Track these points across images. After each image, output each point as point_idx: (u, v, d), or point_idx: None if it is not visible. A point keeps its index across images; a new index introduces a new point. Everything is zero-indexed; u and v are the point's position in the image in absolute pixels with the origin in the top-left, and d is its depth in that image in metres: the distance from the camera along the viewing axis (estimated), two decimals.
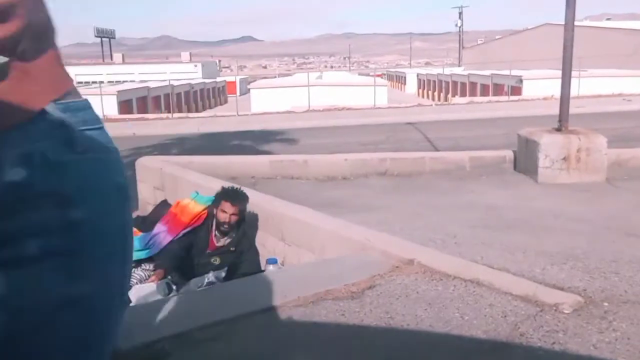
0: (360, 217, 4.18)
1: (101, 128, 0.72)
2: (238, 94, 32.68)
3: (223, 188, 4.28)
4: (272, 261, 3.91)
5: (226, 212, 4.07)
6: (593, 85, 21.84)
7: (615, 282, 2.89)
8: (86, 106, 0.72)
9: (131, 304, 3.22)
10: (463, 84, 35.03)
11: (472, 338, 2.33)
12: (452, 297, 2.72)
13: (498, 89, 29.29)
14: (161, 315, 2.73)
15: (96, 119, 0.72)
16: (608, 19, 61.18)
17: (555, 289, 2.80)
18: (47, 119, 0.65)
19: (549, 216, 4.35)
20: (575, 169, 5.46)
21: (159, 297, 3.49)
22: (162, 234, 4.40)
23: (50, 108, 0.66)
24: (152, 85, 30.73)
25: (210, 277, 3.83)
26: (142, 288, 3.72)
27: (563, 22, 5.67)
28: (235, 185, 4.41)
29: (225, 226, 4.10)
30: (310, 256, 3.83)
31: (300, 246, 3.98)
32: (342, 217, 4.10)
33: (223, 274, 3.97)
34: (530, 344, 2.26)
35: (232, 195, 4.15)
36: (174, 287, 3.73)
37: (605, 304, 2.61)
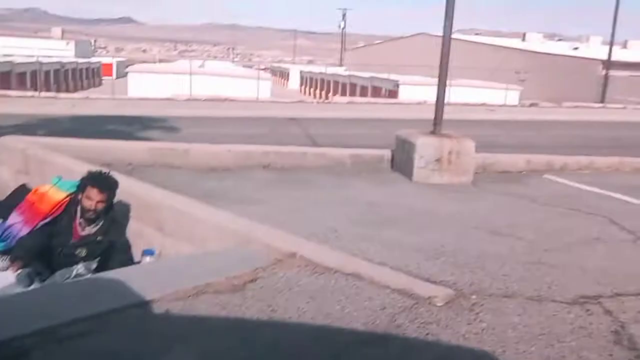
0: (242, 209, 4.12)
1: None
2: (114, 76, 31.01)
3: (89, 172, 3.94)
4: (149, 252, 3.73)
5: (92, 199, 3.76)
6: (461, 94, 23.43)
7: (481, 276, 3.10)
8: None
9: None
10: (344, 84, 36.07)
11: (352, 330, 2.38)
12: (334, 290, 2.76)
13: (376, 91, 30.54)
14: (20, 309, 2.48)
15: None
16: (477, 34, 65.95)
17: (428, 282, 2.95)
18: None
19: (423, 214, 4.58)
20: (447, 170, 5.80)
21: (20, 288, 3.18)
22: (18, 224, 4.01)
23: None
24: (16, 60, 28.20)
25: (79, 268, 3.56)
26: None
27: (438, 34, 6.00)
28: (103, 170, 4.08)
29: (91, 214, 3.78)
30: (190, 248, 3.70)
31: (180, 238, 3.84)
32: (223, 209, 4.02)
33: (94, 265, 3.71)
34: (406, 335, 2.35)
35: (99, 181, 3.83)
36: (37, 277, 3.42)
37: (473, 296, 2.79)
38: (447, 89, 6.36)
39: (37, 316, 2.34)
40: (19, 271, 3.42)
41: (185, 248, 3.73)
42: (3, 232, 3.99)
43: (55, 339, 2.17)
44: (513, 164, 6.73)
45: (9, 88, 23.47)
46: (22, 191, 4.78)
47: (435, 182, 5.71)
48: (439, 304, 2.66)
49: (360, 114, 17.87)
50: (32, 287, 3.30)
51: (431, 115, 6.14)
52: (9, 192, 5.24)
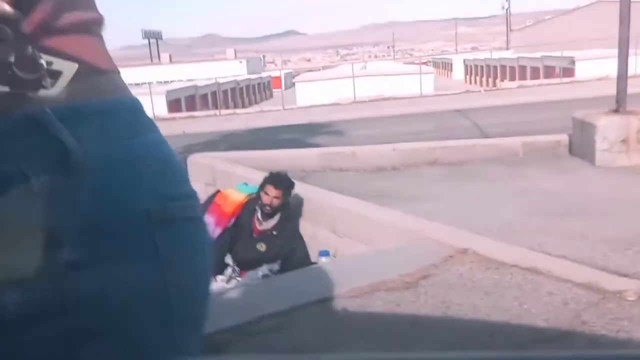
0: (411, 207, 4.15)
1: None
2: (283, 88, 32.89)
3: (269, 172, 4.37)
4: (324, 253, 3.93)
5: (269, 195, 4.14)
6: None
7: None
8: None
9: None
10: (512, 68, 34.11)
11: (532, 327, 2.29)
12: (510, 286, 2.67)
13: (549, 72, 28.39)
14: (219, 306, 2.79)
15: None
16: None
17: (618, 275, 2.71)
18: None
19: (609, 201, 4.20)
20: (635, 150, 5.24)
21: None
22: (211, 226, 4.49)
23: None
24: (199, 83, 31.29)
25: (264, 269, 3.89)
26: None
27: None
28: (282, 171, 4.47)
29: (267, 208, 4.15)
30: (362, 248, 3.83)
31: (353, 238, 3.99)
32: (393, 207, 4.08)
33: (277, 267, 4.02)
34: (593, 332, 2.20)
35: (276, 179, 4.21)
36: (234, 275, 3.84)
37: None
38: (632, 59, 5.74)
39: (229, 314, 2.62)
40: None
41: (358, 248, 3.87)
42: None
43: (248, 333, 2.41)
44: None
45: (194, 109, 26.19)
46: (213, 195, 5.34)
47: (622, 165, 5.18)
48: (630, 299, 2.43)
49: (532, 97, 16.83)
50: (229, 285, 3.69)
51: (614, 91, 5.60)
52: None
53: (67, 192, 0.56)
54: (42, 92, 0.55)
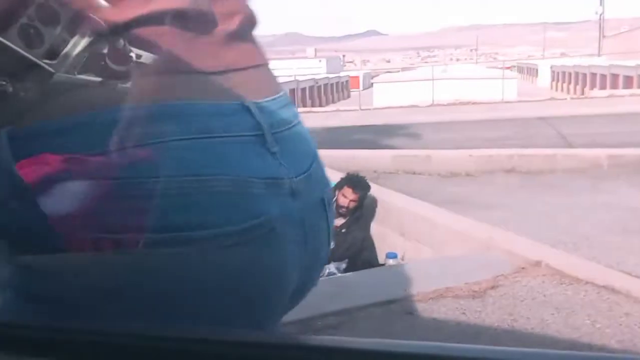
0: (483, 215, 4.06)
1: None
2: (361, 88, 32.89)
3: (348, 174, 4.42)
4: (392, 255, 3.92)
5: (346, 197, 4.18)
6: None
7: None
8: None
9: None
10: (603, 76, 32.36)
11: (603, 347, 2.19)
12: (583, 303, 2.56)
13: None
14: None
15: None
16: None
17: None
18: None
19: None
20: None
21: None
22: None
23: None
24: (279, 80, 31.74)
25: (331, 267, 3.93)
26: None
27: None
28: (360, 173, 4.50)
29: (343, 210, 4.20)
30: (429, 252, 3.80)
31: (421, 242, 3.96)
32: (464, 214, 4.01)
33: (344, 266, 4.05)
34: None
35: (355, 182, 4.28)
36: None
37: None
38: None
39: (297, 307, 2.67)
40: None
41: (425, 252, 3.84)
42: None
43: (307, 329, 2.45)
44: None
45: None
46: None
47: None
48: None
49: (624, 108, 15.90)
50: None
51: None
52: None
53: None
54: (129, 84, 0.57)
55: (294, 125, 0.71)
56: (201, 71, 0.62)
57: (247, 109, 0.63)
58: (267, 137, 0.64)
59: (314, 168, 0.71)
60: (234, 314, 0.62)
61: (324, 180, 0.77)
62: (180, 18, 0.60)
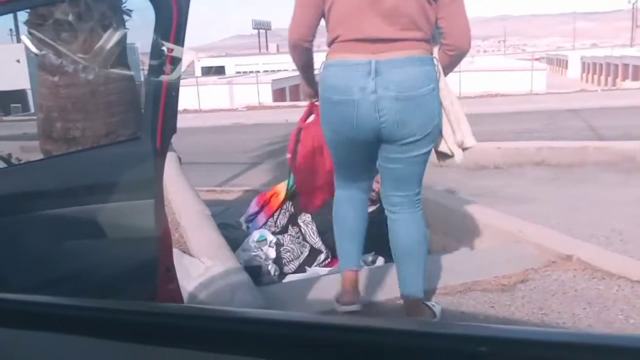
0: (512, 208, 4.01)
1: None
2: None
3: None
4: None
5: (377, 182, 4.17)
6: None
7: None
8: None
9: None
10: (636, 67, 31.57)
11: None
12: (616, 298, 2.51)
13: None
14: (314, 291, 2.86)
15: None
16: None
17: None
18: None
19: None
20: None
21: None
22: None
23: None
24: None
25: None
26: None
27: None
28: None
29: (374, 194, 4.19)
30: (457, 245, 3.76)
31: (448, 235, 3.92)
32: (492, 207, 3.96)
33: (370, 258, 4.03)
34: None
35: None
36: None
37: None
38: None
39: (318, 300, 2.67)
40: None
41: (453, 245, 3.80)
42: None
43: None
44: None
45: (297, 99, 26.70)
46: None
47: None
48: None
49: None
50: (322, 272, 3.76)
51: None
52: None
53: None
54: None
55: None
56: None
57: None
58: None
59: None
60: None
61: None
62: None
